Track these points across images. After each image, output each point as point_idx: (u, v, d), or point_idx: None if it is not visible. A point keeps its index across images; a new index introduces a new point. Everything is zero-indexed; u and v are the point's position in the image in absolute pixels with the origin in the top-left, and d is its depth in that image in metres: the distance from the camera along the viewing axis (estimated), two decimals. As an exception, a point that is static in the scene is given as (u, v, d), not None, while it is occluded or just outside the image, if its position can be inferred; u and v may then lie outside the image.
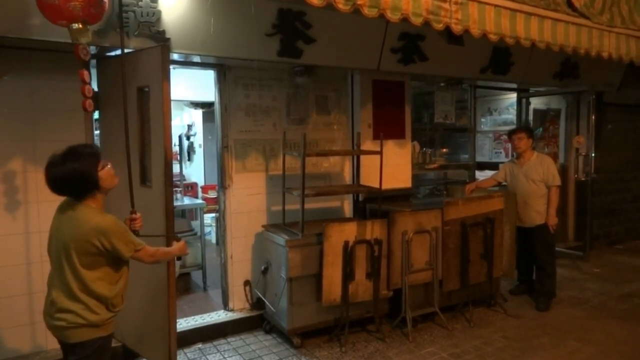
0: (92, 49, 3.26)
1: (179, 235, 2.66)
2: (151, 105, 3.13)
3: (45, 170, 2.12)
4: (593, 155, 6.02)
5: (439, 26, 3.09)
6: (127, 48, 3.17)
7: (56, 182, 2.11)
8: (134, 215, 2.61)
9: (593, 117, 6.07)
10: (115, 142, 3.49)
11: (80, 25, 2.38)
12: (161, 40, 3.15)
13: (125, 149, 3.34)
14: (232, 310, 4.23)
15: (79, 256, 2.11)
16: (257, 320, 4.14)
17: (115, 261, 2.22)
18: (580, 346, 3.74)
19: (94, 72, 3.53)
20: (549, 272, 4.66)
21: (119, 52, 3.27)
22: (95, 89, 3.54)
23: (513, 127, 6.59)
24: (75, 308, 2.12)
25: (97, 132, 3.73)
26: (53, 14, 2.32)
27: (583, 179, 6.11)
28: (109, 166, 2.24)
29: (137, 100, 3.22)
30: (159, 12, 3.16)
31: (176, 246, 2.63)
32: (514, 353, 3.63)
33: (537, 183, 4.57)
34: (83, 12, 2.32)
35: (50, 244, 2.22)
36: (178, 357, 3.57)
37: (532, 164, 4.62)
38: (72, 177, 2.10)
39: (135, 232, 2.51)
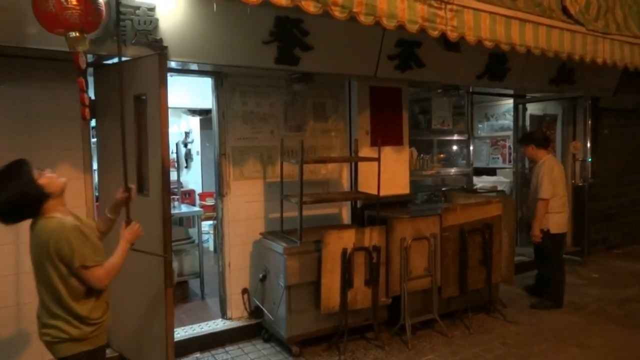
0: (89, 57, 3.27)
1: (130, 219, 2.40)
2: (148, 113, 3.13)
3: None
4: (590, 160, 6.03)
5: (435, 33, 3.11)
6: (125, 56, 3.17)
7: (5, 215, 1.99)
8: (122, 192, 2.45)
9: (589, 122, 6.10)
10: (112, 150, 3.49)
11: (78, 34, 2.37)
12: (159, 49, 3.15)
13: (120, 156, 3.35)
14: (230, 318, 4.20)
15: (48, 271, 2.01)
16: (256, 329, 4.12)
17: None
18: (580, 352, 3.73)
19: (90, 80, 3.54)
20: (547, 278, 4.72)
21: (116, 60, 3.30)
22: (92, 97, 3.55)
23: (509, 132, 6.65)
24: (56, 323, 2.05)
25: (94, 139, 3.72)
26: (50, 22, 2.31)
27: (580, 184, 6.12)
28: (46, 171, 2.11)
29: (135, 108, 3.22)
30: (157, 20, 3.17)
31: (125, 237, 2.31)
32: (514, 360, 3.61)
33: (533, 190, 4.62)
34: (80, 20, 2.32)
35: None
36: (176, 366, 3.55)
37: (535, 170, 4.68)
38: (16, 201, 1.97)
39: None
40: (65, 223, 2.02)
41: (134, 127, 3.23)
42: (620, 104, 6.87)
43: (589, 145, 6.08)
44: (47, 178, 2.08)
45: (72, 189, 3.39)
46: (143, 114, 3.20)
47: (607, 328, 4.20)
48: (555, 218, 4.62)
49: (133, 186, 2.50)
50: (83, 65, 2.47)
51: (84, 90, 2.55)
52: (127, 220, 2.45)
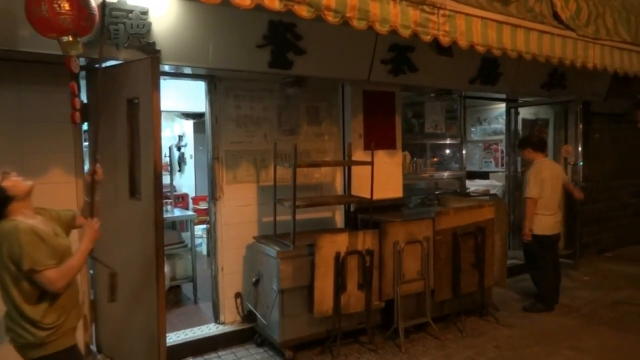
0: (82, 61, 3.26)
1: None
2: (141, 116, 3.12)
3: None
4: (581, 164, 6.08)
5: (427, 38, 3.13)
6: (117, 60, 3.18)
7: None
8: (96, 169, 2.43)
9: (580, 126, 6.16)
10: (104, 153, 3.46)
11: (71, 38, 2.37)
12: (151, 52, 3.15)
13: (114, 160, 3.33)
14: (223, 323, 4.18)
15: (2, 273, 2.00)
16: (249, 333, 4.10)
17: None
18: (572, 355, 3.75)
19: (83, 83, 3.53)
20: (533, 279, 4.82)
21: (109, 63, 3.30)
22: (85, 100, 3.53)
23: (502, 136, 6.70)
24: (13, 327, 2.05)
25: (86, 143, 3.70)
26: (43, 26, 2.31)
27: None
28: (11, 174, 2.10)
29: (127, 111, 3.22)
30: (149, 23, 3.16)
31: (87, 236, 2.24)
32: (507, 363, 3.63)
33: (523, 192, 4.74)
34: (73, 24, 2.31)
35: None
36: (168, 371, 3.52)
37: (528, 173, 4.76)
38: None
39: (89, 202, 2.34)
40: (20, 226, 1.99)
41: (126, 131, 3.22)
42: (611, 109, 6.94)
43: (580, 149, 6.13)
44: (12, 181, 2.08)
45: (64, 193, 3.41)
46: (135, 118, 3.19)
47: (599, 331, 4.23)
48: (541, 220, 4.67)
49: (99, 167, 2.46)
50: (76, 69, 2.46)
51: (76, 95, 2.54)
52: (91, 213, 2.36)
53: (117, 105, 3.27)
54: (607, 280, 5.78)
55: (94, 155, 2.50)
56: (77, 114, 2.60)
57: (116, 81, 3.26)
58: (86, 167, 3.66)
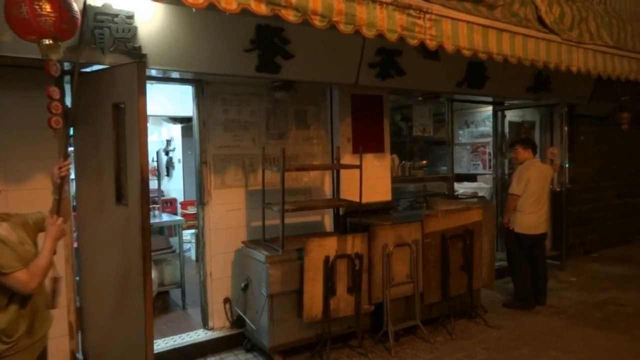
0: (66, 65, 3.22)
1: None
2: (127, 121, 3.09)
3: None
4: (567, 166, 6.16)
5: (414, 42, 3.15)
6: (103, 64, 3.14)
7: None
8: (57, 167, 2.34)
9: (566, 129, 6.24)
10: (90, 159, 3.43)
11: (51, 41, 2.33)
12: (137, 57, 3.12)
13: (100, 166, 3.29)
14: (211, 329, 4.15)
15: None
16: (238, 339, 4.07)
17: None
18: (560, 355, 3.78)
19: (68, 88, 3.48)
20: (512, 277, 4.96)
21: (94, 68, 3.26)
22: (69, 104, 3.48)
23: (489, 138, 6.75)
24: None
25: (71, 148, 3.65)
26: (23, 29, 2.26)
27: (558, 189, 6.23)
28: None
29: (113, 116, 3.18)
30: (135, 28, 3.13)
31: (50, 234, 2.16)
32: (496, 365, 3.65)
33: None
34: (54, 27, 2.27)
35: None
36: (156, 379, 3.48)
37: (514, 172, 4.87)
38: None
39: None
40: None
41: (112, 136, 3.18)
42: (595, 111, 7.04)
43: (566, 151, 6.21)
44: None
45: (48, 199, 3.34)
46: (121, 122, 3.15)
47: (586, 331, 4.28)
48: (522, 218, 4.75)
49: (66, 162, 2.38)
50: (55, 73, 2.42)
51: (54, 99, 2.49)
52: (57, 211, 2.30)
53: (103, 110, 3.23)
54: (594, 281, 5.85)
55: (65, 152, 2.44)
56: (56, 118, 2.54)
57: (102, 86, 3.23)
58: (72, 173, 3.61)
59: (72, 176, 3.60)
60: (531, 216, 4.76)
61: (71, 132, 3.54)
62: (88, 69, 3.30)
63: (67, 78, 3.44)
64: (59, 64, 2.91)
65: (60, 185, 2.35)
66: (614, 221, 7.82)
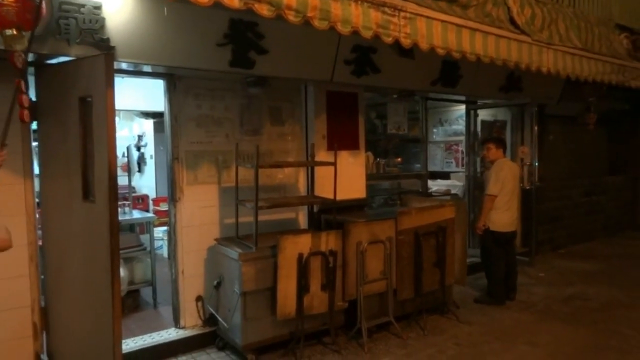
0: (31, 57, 3.09)
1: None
2: (94, 116, 2.99)
3: None
4: (537, 164, 6.31)
5: (389, 40, 3.16)
6: (69, 56, 3.03)
7: None
8: None
9: (536, 128, 6.39)
10: (55, 154, 3.32)
11: (15, 32, 2.23)
12: (105, 49, 3.02)
13: (66, 161, 3.18)
14: (183, 327, 4.08)
15: None
16: (210, 337, 4.01)
17: None
18: (529, 350, 3.87)
19: (32, 80, 3.35)
20: (487, 273, 5.02)
21: (60, 59, 3.14)
22: (34, 98, 3.36)
23: (462, 137, 6.85)
24: None
25: (35, 143, 3.51)
26: (-17, 19, 2.17)
27: (528, 187, 6.38)
28: None
29: (79, 110, 3.07)
30: (103, 19, 3.03)
31: None
32: None
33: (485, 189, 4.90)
34: (17, 17, 2.18)
35: None
36: (125, 380, 3.40)
37: (490, 171, 4.91)
38: None
39: None
40: None
41: (78, 131, 3.08)
42: (564, 111, 7.24)
43: (535, 150, 6.36)
44: None
45: (12, 195, 3.23)
46: (88, 117, 3.05)
47: (554, 325, 4.39)
48: (498, 216, 4.85)
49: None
50: (21, 65, 2.32)
51: (23, 92, 2.39)
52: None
53: (69, 104, 3.12)
54: (561, 276, 6.02)
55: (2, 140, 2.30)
56: (26, 112, 2.44)
57: (68, 78, 3.11)
58: (36, 168, 3.48)
59: (36, 172, 3.48)
60: (506, 214, 4.86)
61: (34, 126, 3.42)
62: (53, 61, 3.18)
63: (32, 70, 3.31)
64: (24, 54, 2.82)
65: None
66: (581, 218, 8.07)
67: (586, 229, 8.19)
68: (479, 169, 6.56)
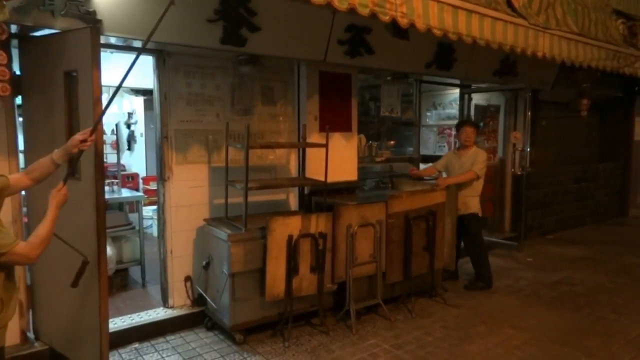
0: (14, 28, 2.99)
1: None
2: (80, 91, 2.91)
3: None
4: (528, 150, 6.31)
5: (386, 18, 3.09)
6: (53, 28, 2.94)
7: None
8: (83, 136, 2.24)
9: (529, 113, 6.37)
10: (40, 129, 3.24)
11: (-6, 1, 2.14)
12: (91, 22, 2.93)
13: (51, 136, 3.11)
14: (172, 307, 4.07)
15: None
16: (199, 317, 4.01)
17: None
18: (514, 333, 3.92)
19: (16, 53, 3.24)
20: (475, 260, 5.01)
21: (44, 32, 3.04)
22: (18, 71, 3.26)
23: (456, 121, 6.81)
24: None
25: (20, 119, 3.43)
26: (-39, -14, 2.07)
27: (519, 173, 6.39)
28: None
29: (64, 85, 2.99)
30: (89, -10, 2.93)
31: (54, 201, 2.11)
32: (453, 342, 3.74)
33: (459, 169, 4.89)
34: (-4, -14, 2.09)
35: None
36: (112, 358, 3.39)
37: (469, 156, 4.89)
38: None
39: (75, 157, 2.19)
40: None
41: (63, 106, 2.99)
42: (558, 97, 7.22)
43: (528, 135, 6.35)
44: None
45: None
46: (74, 92, 2.97)
47: (540, 310, 4.45)
48: (478, 201, 4.90)
49: (93, 137, 2.26)
50: (1, 36, 2.23)
51: (3, 65, 2.31)
52: (66, 178, 2.23)
53: (54, 78, 3.03)
54: (548, 262, 6.08)
55: (94, 126, 2.30)
56: (4, 85, 2.36)
57: (52, 52, 3.02)
58: (20, 143, 3.40)
59: (21, 147, 3.40)
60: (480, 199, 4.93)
61: (19, 101, 3.33)
62: (37, 33, 3.08)
63: (16, 43, 3.21)
64: (5, 26, 2.72)
65: (76, 156, 2.25)
66: (570, 205, 8.13)
67: (575, 215, 8.27)
68: (455, 147, 6.54)
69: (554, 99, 7.22)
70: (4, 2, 2.26)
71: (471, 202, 4.86)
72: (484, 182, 4.95)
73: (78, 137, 2.24)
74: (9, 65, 2.92)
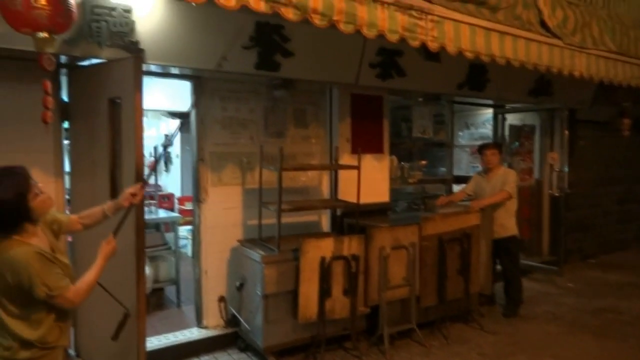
0: (63, 59, 3.18)
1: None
2: (123, 117, 3.05)
3: None
4: (566, 170, 6.13)
5: (415, 43, 3.12)
6: (99, 58, 3.10)
7: None
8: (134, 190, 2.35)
9: (566, 133, 6.21)
10: (84, 153, 3.40)
11: (46, 35, 2.29)
12: (135, 51, 3.07)
13: (95, 161, 3.26)
14: (206, 327, 4.12)
15: None
16: (232, 338, 4.04)
17: (34, 300, 1.88)
18: (555, 362, 3.76)
19: (65, 81, 3.44)
20: (514, 282, 4.83)
21: (91, 62, 3.22)
22: (66, 98, 3.45)
23: (484, 142, 6.72)
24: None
25: (66, 142, 3.61)
26: (17, 21, 2.22)
27: (557, 194, 6.20)
28: (42, 193, 1.95)
29: (109, 111, 3.14)
30: (133, 22, 3.09)
31: (104, 253, 2.19)
32: (490, 370, 3.62)
33: (490, 191, 4.76)
34: (49, 21, 2.23)
35: None
36: (148, 377, 3.44)
37: (499, 177, 4.77)
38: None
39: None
40: (27, 253, 1.85)
41: (107, 131, 3.14)
42: (597, 116, 7.01)
43: (566, 156, 6.18)
44: (40, 202, 1.92)
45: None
46: (117, 118, 3.11)
47: (582, 339, 4.25)
48: (515, 222, 4.76)
49: (142, 190, 2.37)
50: (50, 67, 2.37)
51: (49, 93, 2.45)
52: (116, 231, 2.32)
53: (99, 105, 3.20)
54: (591, 288, 5.82)
55: (142, 178, 2.46)
56: (49, 113, 2.50)
57: (98, 80, 3.19)
58: (66, 166, 3.57)
59: (67, 169, 3.57)
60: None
61: (66, 126, 3.51)
62: (84, 63, 3.26)
63: (64, 71, 3.41)
64: (55, 56, 2.89)
65: (128, 209, 2.36)
66: (612, 227, 7.79)
67: (618, 238, 7.90)
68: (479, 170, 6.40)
69: (592, 118, 7.00)
70: (54, 36, 2.40)
71: (508, 224, 4.73)
72: (518, 203, 4.82)
73: (130, 190, 2.35)
74: (55, 93, 3.10)
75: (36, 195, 1.92)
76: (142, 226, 2.98)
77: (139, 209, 2.96)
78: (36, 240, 1.97)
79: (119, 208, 2.37)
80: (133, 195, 2.35)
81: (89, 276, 2.08)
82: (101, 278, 2.19)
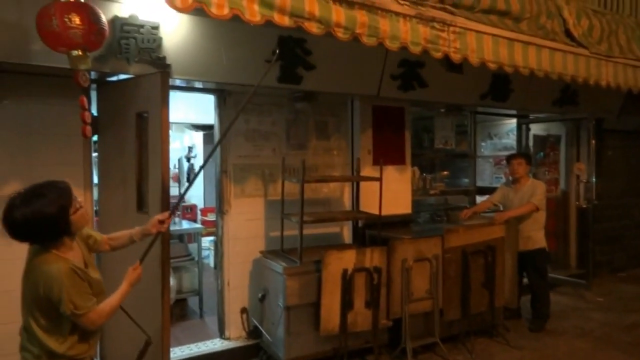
0: (93, 75, 3.28)
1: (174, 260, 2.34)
2: (149, 130, 3.13)
3: (3, 212, 1.84)
4: (594, 181, 5.98)
5: (438, 55, 3.12)
6: (128, 74, 3.20)
7: (16, 228, 1.83)
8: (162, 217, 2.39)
9: (593, 143, 6.07)
10: (112, 166, 3.49)
11: (80, 52, 2.38)
12: (162, 67, 3.16)
13: (123, 174, 3.34)
14: (228, 338, 4.14)
15: (30, 305, 1.94)
16: (254, 350, 4.05)
17: (61, 314, 1.93)
18: (585, 380, 3.64)
19: (94, 96, 3.55)
20: (541, 296, 4.70)
21: (119, 77, 3.32)
22: (95, 113, 3.56)
23: (512, 152, 6.61)
24: (26, 356, 1.98)
25: (95, 154, 3.71)
26: (53, 40, 2.32)
27: (584, 205, 6.05)
28: (81, 207, 2.00)
29: (136, 125, 3.23)
30: (160, 38, 3.18)
31: (129, 279, 2.23)
32: (517, 387, 3.53)
33: (518, 202, 4.65)
34: (83, 39, 2.33)
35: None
36: (171, 387, 3.47)
37: (527, 189, 4.67)
38: (37, 222, 1.83)
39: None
40: (61, 268, 1.89)
41: (135, 145, 3.22)
42: (624, 126, 6.84)
43: (593, 166, 6.03)
44: (80, 216, 1.97)
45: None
46: (144, 131, 3.19)
47: (613, 355, 4.11)
48: (544, 235, 4.66)
49: (169, 219, 2.42)
50: (85, 84, 2.47)
51: (86, 109, 2.54)
52: (142, 258, 2.37)
53: (127, 119, 3.29)
54: (621, 302, 5.64)
55: (172, 208, 2.58)
56: (88, 127, 2.60)
57: (126, 95, 3.29)
58: (95, 179, 3.67)
59: (95, 181, 3.67)
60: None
61: (95, 139, 3.62)
62: (114, 78, 3.36)
63: (93, 86, 3.52)
64: (88, 74, 2.99)
65: (155, 237, 2.40)
66: (643, 239, 7.55)
67: (649, 251, 7.65)
68: (508, 181, 6.29)
69: (620, 127, 6.84)
70: (87, 54, 2.50)
71: (536, 237, 4.62)
72: (546, 215, 4.73)
73: (158, 217, 2.38)
74: (89, 108, 3.21)
75: (77, 210, 1.96)
76: (167, 237, 3.04)
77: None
78: (72, 254, 2.01)
79: (147, 234, 2.40)
80: (161, 222, 2.37)
81: (113, 300, 2.12)
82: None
